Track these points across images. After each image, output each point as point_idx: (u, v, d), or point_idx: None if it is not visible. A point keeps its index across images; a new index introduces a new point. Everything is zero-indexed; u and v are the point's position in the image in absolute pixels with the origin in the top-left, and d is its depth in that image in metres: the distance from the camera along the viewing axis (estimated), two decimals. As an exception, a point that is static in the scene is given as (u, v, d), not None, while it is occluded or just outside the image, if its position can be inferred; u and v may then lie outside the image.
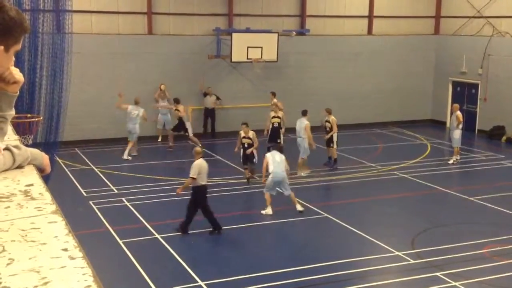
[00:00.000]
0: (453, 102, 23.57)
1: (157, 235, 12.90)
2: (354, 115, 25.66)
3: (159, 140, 22.36)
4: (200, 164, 12.90)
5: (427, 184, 17.30)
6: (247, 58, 23.31)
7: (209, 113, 23.43)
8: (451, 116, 21.06)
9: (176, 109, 20.78)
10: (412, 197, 16.25)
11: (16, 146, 2.27)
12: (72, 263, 1.45)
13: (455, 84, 26.50)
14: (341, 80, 25.71)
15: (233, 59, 23.28)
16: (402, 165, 19.39)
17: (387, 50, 26.42)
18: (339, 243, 12.84)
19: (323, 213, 14.55)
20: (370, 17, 26.39)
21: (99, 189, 16.31)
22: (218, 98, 23.26)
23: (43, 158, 2.37)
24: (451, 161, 19.91)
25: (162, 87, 22.04)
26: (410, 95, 26.98)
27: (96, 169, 18.40)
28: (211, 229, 13.06)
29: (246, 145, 16.93)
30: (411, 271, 11.31)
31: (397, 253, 12.09)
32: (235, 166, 18.48)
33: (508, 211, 14.83)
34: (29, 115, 11.40)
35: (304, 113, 18.17)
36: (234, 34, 23.18)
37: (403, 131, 25.37)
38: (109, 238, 12.73)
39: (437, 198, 16.18)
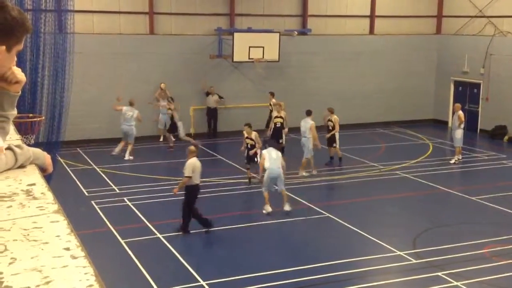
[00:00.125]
0: (455, 101, 23.51)
1: (158, 235, 12.90)
2: (356, 115, 25.65)
3: (161, 140, 22.37)
4: (193, 163, 12.87)
5: (429, 183, 17.28)
6: (249, 58, 23.30)
7: (211, 113, 23.40)
8: (453, 116, 21.05)
9: (168, 108, 20.93)
10: (414, 196, 16.24)
11: (18, 146, 2.27)
12: (74, 262, 1.45)
13: (457, 84, 26.47)
14: (343, 79, 25.69)
15: (235, 59, 23.27)
16: (404, 164, 19.38)
17: (389, 49, 26.39)
18: (340, 243, 12.82)
19: (325, 212, 14.55)
20: (372, 16, 26.37)
21: (101, 189, 16.33)
22: (220, 97, 23.26)
23: (45, 157, 2.38)
24: (452, 161, 19.88)
25: (162, 86, 22.04)
26: (412, 95, 26.95)
27: (98, 169, 18.42)
28: (205, 229, 13.04)
29: (249, 146, 16.96)
30: (412, 271, 11.31)
31: (398, 253, 12.09)
32: (236, 166, 18.49)
33: (509, 211, 14.82)
34: (31, 114, 11.42)
35: (309, 113, 18.12)
36: (235, 34, 23.16)
37: (405, 130, 25.34)
38: (111, 238, 12.74)
39: (438, 198, 16.17)
